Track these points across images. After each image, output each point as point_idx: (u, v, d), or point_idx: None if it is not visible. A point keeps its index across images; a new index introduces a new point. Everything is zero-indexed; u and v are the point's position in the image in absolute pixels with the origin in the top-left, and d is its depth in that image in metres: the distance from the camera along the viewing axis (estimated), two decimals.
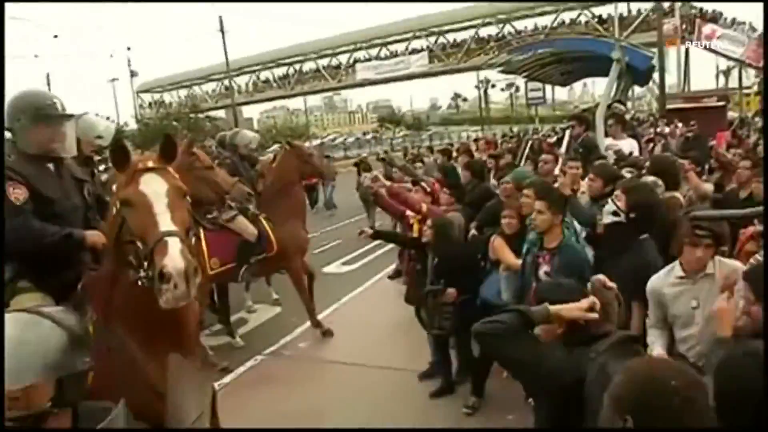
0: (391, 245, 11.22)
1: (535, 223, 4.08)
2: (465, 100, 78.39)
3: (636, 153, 7.72)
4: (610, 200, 4.13)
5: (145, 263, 2.48)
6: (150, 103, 60.04)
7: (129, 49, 51.74)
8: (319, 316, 6.94)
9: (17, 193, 3.03)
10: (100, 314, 2.77)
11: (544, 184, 4.62)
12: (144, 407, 2.30)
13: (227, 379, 5.68)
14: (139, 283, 2.51)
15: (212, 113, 54.20)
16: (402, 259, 7.27)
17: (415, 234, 5.31)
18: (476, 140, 18.82)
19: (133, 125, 49.69)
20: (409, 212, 5.48)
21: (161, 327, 2.68)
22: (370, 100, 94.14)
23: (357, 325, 7.03)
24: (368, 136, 53.34)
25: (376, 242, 11.63)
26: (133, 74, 53.08)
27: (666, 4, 33.84)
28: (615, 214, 3.92)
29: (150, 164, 2.68)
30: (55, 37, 49.97)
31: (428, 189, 5.83)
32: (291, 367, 5.88)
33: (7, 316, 1.75)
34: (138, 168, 2.65)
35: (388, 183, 5.74)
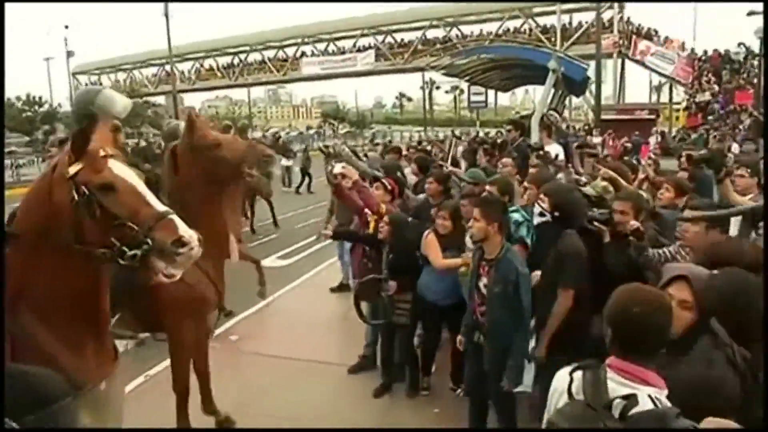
0: (327, 241, 11.40)
1: (471, 232, 4.03)
2: (410, 100, 78.95)
3: (561, 157, 8.05)
4: (536, 203, 4.37)
5: (141, 242, 2.56)
6: (86, 85, 58.05)
7: (66, 27, 49.76)
8: (253, 309, 7.01)
9: None
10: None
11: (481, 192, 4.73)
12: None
13: (154, 370, 5.63)
14: (123, 262, 2.58)
15: (152, 99, 52.86)
16: (351, 264, 7.01)
17: (371, 231, 5.34)
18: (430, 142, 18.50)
19: (67, 107, 47.89)
20: (367, 209, 5.46)
21: (80, 311, 2.70)
22: (315, 95, 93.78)
23: (289, 320, 7.09)
24: (311, 131, 53.12)
25: (311, 238, 11.75)
26: (69, 54, 51.16)
27: (605, 18, 35.09)
28: (542, 214, 4.15)
29: (110, 151, 2.68)
30: None
31: (389, 186, 5.83)
32: (218, 358, 5.87)
33: None
34: (106, 154, 2.65)
35: (356, 176, 5.59)
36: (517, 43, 29.86)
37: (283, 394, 5.23)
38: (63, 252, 2.69)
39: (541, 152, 7.40)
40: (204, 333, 4.47)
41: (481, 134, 23.30)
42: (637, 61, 37.17)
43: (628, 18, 38.04)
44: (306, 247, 11.08)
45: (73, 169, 2.66)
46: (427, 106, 61.81)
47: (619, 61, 37.91)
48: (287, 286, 8.43)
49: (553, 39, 39.10)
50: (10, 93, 46.46)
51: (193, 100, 70.22)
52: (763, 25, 21.19)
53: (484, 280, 3.97)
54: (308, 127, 57.59)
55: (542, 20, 41.75)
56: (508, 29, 42.53)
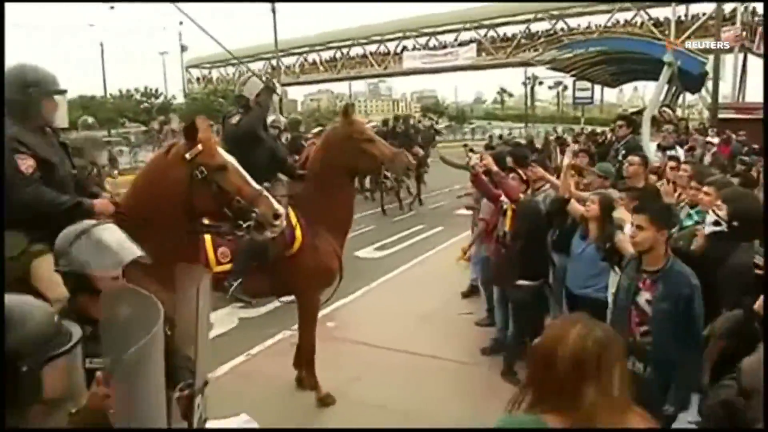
0: (422, 235, 11.38)
1: (634, 240, 3.48)
2: (511, 95, 77.62)
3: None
4: (710, 211, 4.03)
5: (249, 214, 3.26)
6: (198, 78, 60.90)
7: (181, 23, 52.07)
8: (347, 299, 7.09)
9: (27, 164, 3.18)
10: None
11: (645, 194, 4.34)
12: None
13: (255, 349, 5.86)
14: (239, 233, 3.33)
15: None
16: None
17: (508, 220, 5.36)
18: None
19: (180, 99, 50.54)
20: (503, 198, 5.54)
21: None
22: (415, 90, 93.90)
23: (384, 310, 7.11)
24: None
25: (411, 229, 11.76)
26: (183, 48, 53.79)
27: (727, 10, 32.89)
28: (716, 223, 3.76)
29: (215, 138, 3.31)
30: (112, 8, 50.56)
31: (524, 177, 5.86)
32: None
33: None
34: (214, 140, 3.28)
35: (494, 166, 5.76)
36: (629, 36, 28.56)
37: (375, 382, 5.24)
38: (170, 224, 3.26)
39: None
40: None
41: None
42: (760, 56, 34.57)
43: (753, 9, 35.40)
44: (402, 240, 11.08)
45: (191, 153, 3.25)
46: (529, 102, 60.52)
47: (741, 55, 35.41)
48: (383, 277, 8.48)
49: (666, 32, 37.04)
50: (129, 85, 49.55)
51: (296, 94, 72.36)
52: (764, 24, 19.43)
53: (645, 296, 3.42)
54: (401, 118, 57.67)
55: (654, 12, 39.69)
56: (618, 21, 40.80)
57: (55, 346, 1.73)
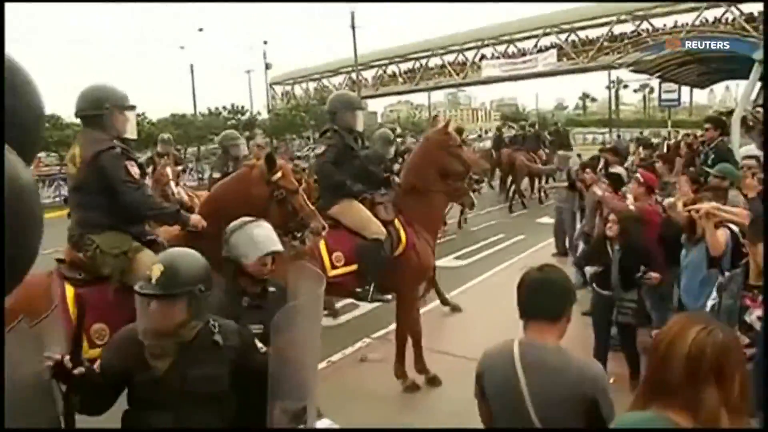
0: (506, 243, 11.35)
1: (758, 263, 3.08)
2: (594, 100, 75.42)
3: None
4: None
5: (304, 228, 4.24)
6: (282, 95, 62.72)
7: (266, 42, 54.07)
8: (427, 308, 7.23)
9: (135, 170, 3.75)
10: None
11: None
12: None
13: (335, 357, 6.06)
14: (295, 242, 4.27)
15: None
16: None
17: None
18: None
19: (265, 115, 52.16)
20: (630, 205, 5.77)
21: None
22: (494, 98, 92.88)
23: (461, 319, 7.18)
24: (489, 134, 52.76)
25: (490, 239, 11.74)
26: (267, 66, 55.58)
27: None
28: None
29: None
30: (200, 30, 53.16)
31: (641, 180, 5.94)
32: (391, 350, 6.13)
33: None
34: (289, 167, 4.42)
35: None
36: (718, 33, 27.26)
37: (454, 391, 5.28)
38: None
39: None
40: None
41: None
42: None
43: None
44: (482, 249, 11.09)
45: (276, 177, 4.10)
46: (613, 106, 58.71)
47: None
48: (462, 286, 8.53)
49: (760, 27, 35.08)
50: (218, 103, 51.57)
51: (376, 105, 73.02)
52: (764, 24, 17.68)
53: (757, 313, 3.13)
54: (486, 131, 57.16)
55: (746, 7, 37.58)
56: (706, 19, 38.94)
57: (139, 287, 2.46)
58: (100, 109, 3.77)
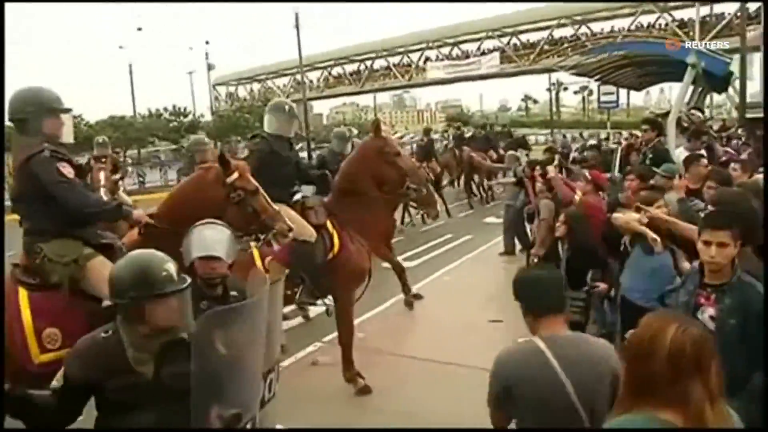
0: (454, 243, 11.46)
1: (714, 260, 3.05)
2: (535, 102, 77.16)
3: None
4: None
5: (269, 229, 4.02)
6: (225, 96, 61.81)
7: (207, 42, 53.16)
8: (376, 310, 7.20)
9: (68, 170, 3.54)
10: None
11: (733, 204, 3.82)
12: None
13: (287, 362, 5.98)
14: (258, 243, 4.28)
15: None
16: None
17: None
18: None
19: (208, 117, 51.29)
20: (576, 196, 5.76)
21: None
22: (439, 99, 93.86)
23: (413, 321, 7.21)
24: (436, 135, 53.25)
25: (439, 239, 11.84)
26: (210, 67, 54.70)
27: (752, 8, 32.38)
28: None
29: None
30: (139, 29, 51.74)
31: (589, 177, 6.05)
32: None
33: None
34: (247, 167, 4.05)
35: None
36: (652, 38, 28.30)
37: (404, 391, 5.35)
38: None
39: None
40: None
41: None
42: None
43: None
44: (431, 249, 11.17)
45: (231, 178, 3.91)
46: (554, 108, 60.14)
47: None
48: (412, 287, 8.54)
49: (691, 33, 36.60)
50: (159, 104, 50.44)
51: (321, 107, 72.90)
52: (763, 24, 18.96)
53: (709, 311, 3.10)
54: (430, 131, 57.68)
55: (678, 14, 39.19)
56: (642, 25, 40.42)
57: (155, 287, 2.37)
58: (25, 112, 3.60)
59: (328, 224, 5.17)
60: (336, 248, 5.14)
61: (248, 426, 2.45)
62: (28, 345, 3.40)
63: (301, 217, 5.11)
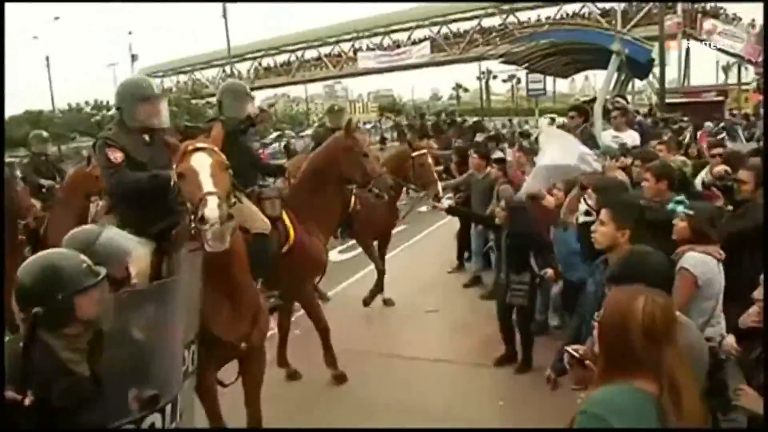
0: None
1: (594, 236, 3.29)
2: (466, 90, 77.95)
3: (638, 144, 7.80)
4: (583, 200, 4.14)
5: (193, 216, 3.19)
6: None
7: (130, 33, 51.64)
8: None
9: (115, 155, 3.86)
10: None
11: (609, 186, 4.18)
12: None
13: None
14: (192, 231, 3.24)
15: (213, 99, 54.07)
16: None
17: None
18: None
19: None
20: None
21: (215, 271, 3.31)
22: (371, 90, 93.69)
23: (349, 313, 7.13)
24: (368, 126, 53.25)
25: None
26: (134, 58, 52.87)
27: None
28: (587, 213, 3.94)
29: (198, 145, 3.41)
30: (56, 18, 49.42)
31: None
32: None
33: None
34: (188, 149, 3.37)
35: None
36: (577, 27, 29.11)
37: (350, 384, 5.33)
38: None
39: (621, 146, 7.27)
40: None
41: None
42: (702, 41, 35.60)
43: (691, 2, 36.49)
44: None
45: (174, 160, 3.46)
46: (484, 96, 61.04)
47: (684, 42, 36.39)
48: (348, 280, 8.48)
49: (613, 22, 37.88)
50: (79, 98, 48.39)
51: None
52: (764, 24, 20.18)
53: None
54: (364, 122, 57.72)
55: (601, 3, 40.56)
56: (567, 13, 41.56)
57: (83, 281, 2.34)
58: (120, 102, 3.98)
59: (285, 217, 5.04)
60: (291, 241, 5.02)
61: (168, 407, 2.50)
62: None
63: (257, 208, 4.93)
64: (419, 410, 4.71)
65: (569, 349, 2.43)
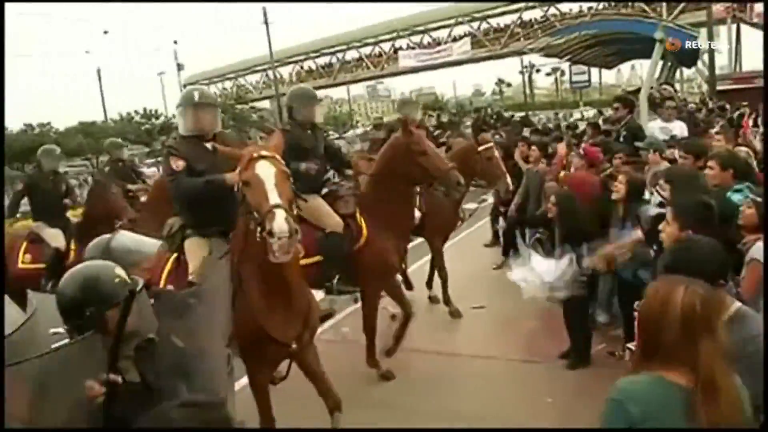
0: None
1: (661, 236, 3.20)
2: (509, 85, 77.14)
3: (685, 135, 7.64)
4: (655, 191, 4.05)
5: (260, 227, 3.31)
6: None
7: (176, 42, 52.54)
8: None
9: (177, 163, 4.03)
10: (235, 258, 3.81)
11: (682, 182, 4.00)
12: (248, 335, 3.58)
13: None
14: (258, 239, 3.35)
15: (257, 104, 54.83)
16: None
17: None
18: None
19: None
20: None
21: (272, 276, 3.54)
22: (413, 88, 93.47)
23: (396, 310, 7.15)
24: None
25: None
26: (179, 67, 54.04)
27: None
28: (661, 205, 3.83)
29: (262, 153, 3.49)
30: (106, 32, 50.91)
31: (583, 153, 6.06)
32: (331, 349, 6.02)
33: None
34: (252, 156, 3.45)
35: None
36: (620, 16, 28.46)
37: (391, 382, 5.38)
38: None
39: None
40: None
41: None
42: (754, 25, 34.30)
43: None
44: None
45: (239, 168, 3.57)
46: (527, 91, 60.27)
47: (734, 26, 35.12)
48: None
49: (658, 9, 36.82)
50: (129, 108, 49.72)
51: None
52: (764, 24, 19.24)
53: None
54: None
55: None
56: (610, 3, 40.60)
57: (116, 296, 2.29)
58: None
59: (358, 215, 5.17)
60: (363, 239, 5.13)
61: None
62: None
63: (330, 207, 5.16)
64: (467, 409, 4.71)
65: (630, 346, 2.41)
